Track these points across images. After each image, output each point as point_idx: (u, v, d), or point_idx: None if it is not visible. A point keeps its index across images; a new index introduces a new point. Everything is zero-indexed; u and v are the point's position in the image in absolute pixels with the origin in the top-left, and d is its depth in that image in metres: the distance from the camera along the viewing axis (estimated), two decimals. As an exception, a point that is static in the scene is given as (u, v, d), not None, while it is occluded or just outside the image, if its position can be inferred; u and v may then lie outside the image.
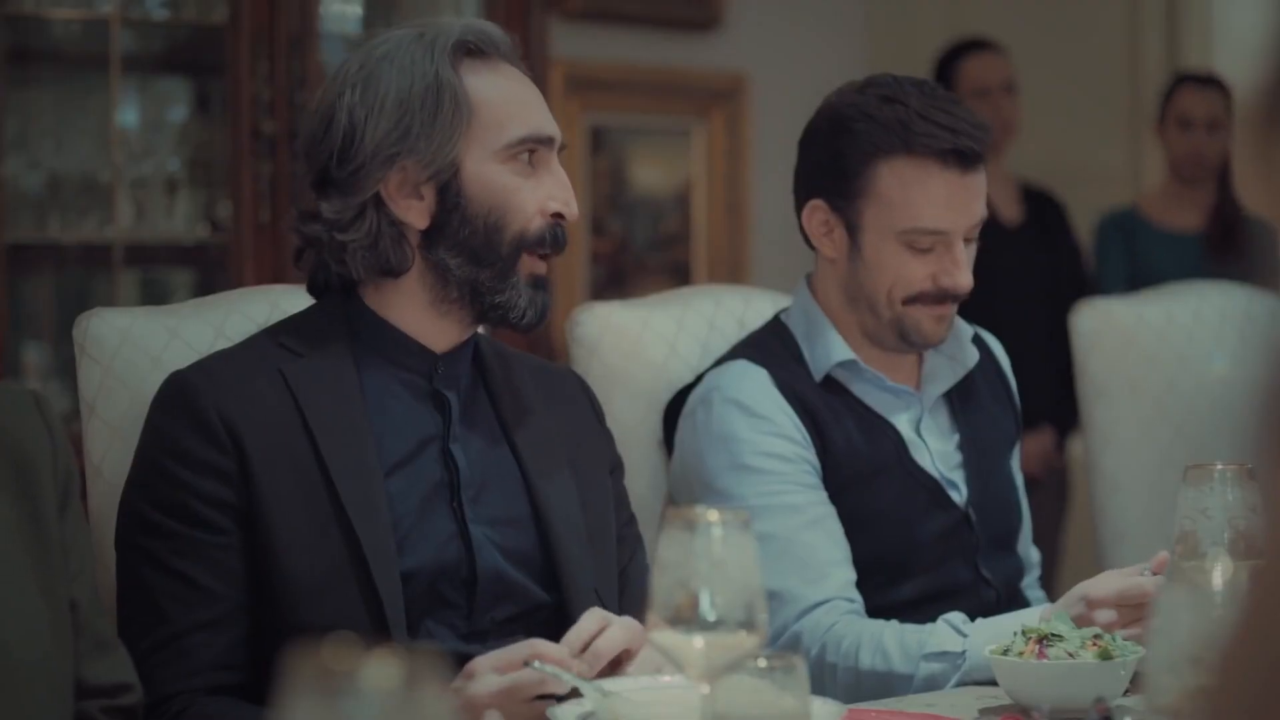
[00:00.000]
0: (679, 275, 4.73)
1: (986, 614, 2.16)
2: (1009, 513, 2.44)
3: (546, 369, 2.16)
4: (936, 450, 2.38)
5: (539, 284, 1.96)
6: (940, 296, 2.30)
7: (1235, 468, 1.91)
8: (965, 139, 2.26)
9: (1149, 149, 4.72)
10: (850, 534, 2.28)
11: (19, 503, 1.69)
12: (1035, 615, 2.02)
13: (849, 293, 2.35)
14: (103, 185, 3.74)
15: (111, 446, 2.01)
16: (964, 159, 2.27)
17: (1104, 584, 1.99)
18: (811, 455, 2.29)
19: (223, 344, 2.03)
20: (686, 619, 1.38)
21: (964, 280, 2.29)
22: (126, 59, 3.81)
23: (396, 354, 1.96)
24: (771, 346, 2.37)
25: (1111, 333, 3.02)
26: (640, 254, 4.79)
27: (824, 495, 2.29)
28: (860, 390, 2.35)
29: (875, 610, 2.24)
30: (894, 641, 2.13)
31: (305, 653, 0.85)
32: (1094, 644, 1.86)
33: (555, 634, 1.78)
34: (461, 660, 1.78)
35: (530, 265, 1.95)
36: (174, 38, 4.00)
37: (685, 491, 2.35)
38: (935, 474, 2.35)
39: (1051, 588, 2.65)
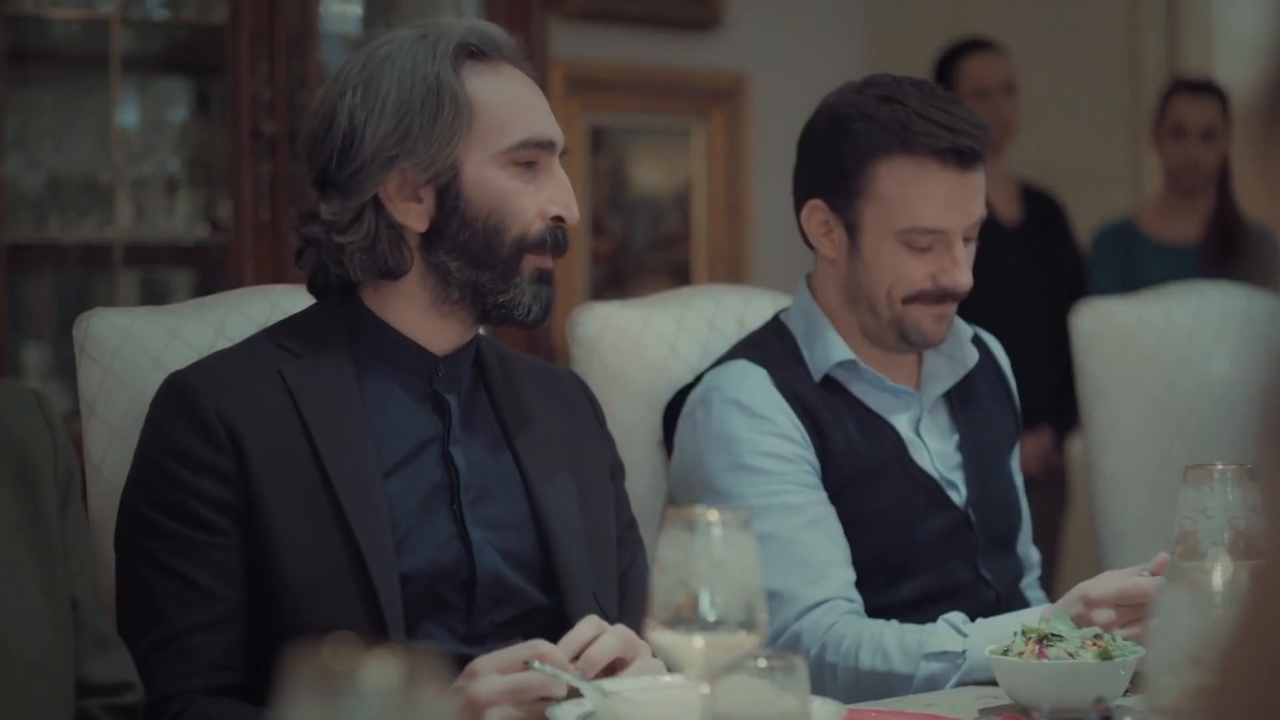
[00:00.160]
0: (679, 275, 4.73)
1: (986, 614, 2.16)
2: (1009, 513, 2.44)
3: (547, 371, 2.16)
4: (936, 450, 2.38)
5: (543, 279, 1.95)
6: (940, 296, 2.30)
7: (1235, 468, 1.91)
8: (964, 138, 2.26)
9: (1148, 150, 4.69)
10: (850, 534, 2.28)
11: (20, 501, 1.69)
12: (1035, 615, 2.02)
13: (849, 293, 2.35)
14: (103, 185, 3.74)
15: (111, 446, 2.01)
16: (963, 158, 2.27)
17: (1103, 584, 1.99)
18: (811, 455, 2.29)
19: (223, 344, 2.03)
20: (686, 619, 1.38)
21: (964, 279, 2.29)
22: (126, 59, 3.81)
23: (396, 356, 1.96)
24: (771, 346, 2.37)
25: (1111, 333, 3.02)
26: (640, 254, 4.79)
27: (824, 495, 2.29)
28: (860, 390, 2.35)
29: (875, 610, 2.24)
30: (894, 641, 2.13)
31: (305, 653, 0.85)
32: (1094, 644, 1.86)
33: (553, 637, 1.78)
34: (460, 662, 1.78)
35: (534, 262, 1.94)
36: (174, 38, 4.00)
37: (685, 491, 2.35)
38: (935, 474, 2.35)
39: (1050, 588, 2.65)
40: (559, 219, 1.95)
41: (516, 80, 1.97)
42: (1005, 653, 1.88)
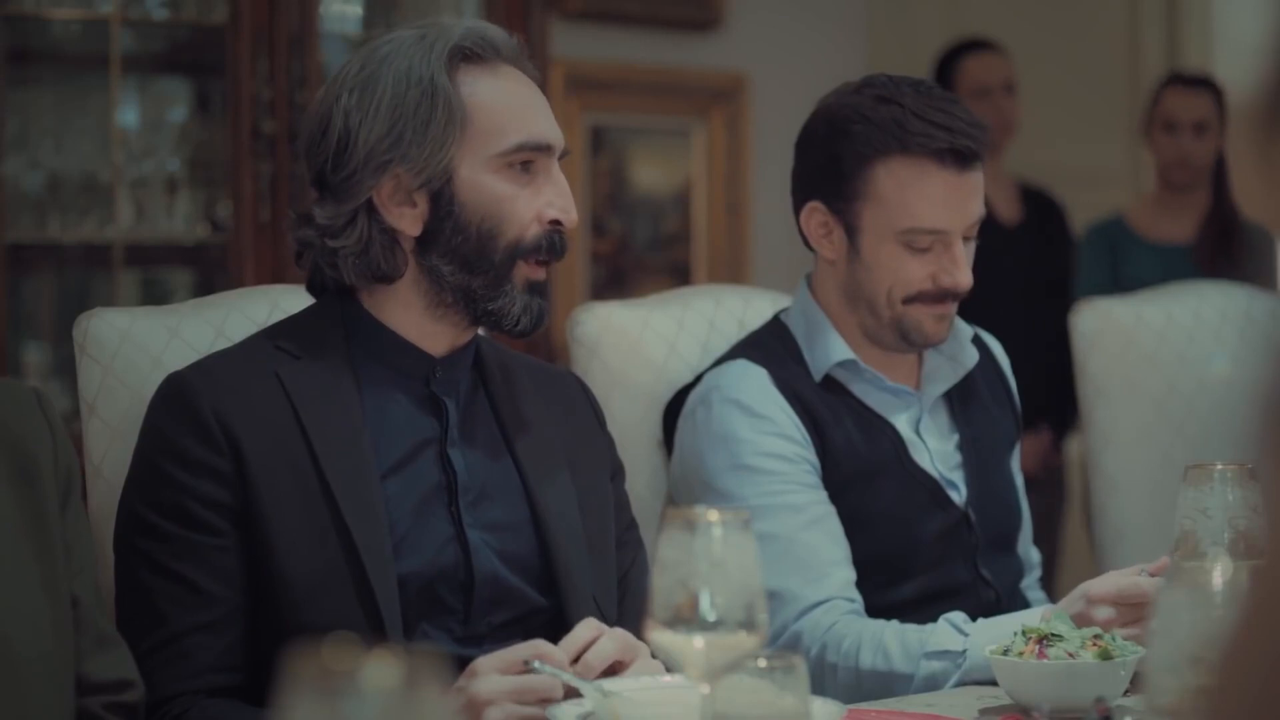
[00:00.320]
0: (679, 275, 4.73)
1: (986, 614, 2.16)
2: (1009, 513, 2.44)
3: (547, 371, 2.15)
4: (936, 450, 2.38)
5: (535, 290, 1.94)
6: (940, 296, 2.30)
7: (1235, 468, 1.91)
8: (962, 138, 2.26)
9: (1148, 150, 4.64)
10: (850, 534, 2.28)
11: (20, 500, 1.69)
12: (1036, 615, 2.02)
13: (848, 293, 2.34)
14: (103, 185, 3.74)
15: (111, 446, 2.01)
16: (961, 158, 2.26)
17: (1105, 581, 1.99)
18: (811, 455, 2.29)
19: (223, 344, 2.03)
20: (686, 619, 1.38)
21: (963, 279, 2.29)
22: (126, 59, 3.81)
23: (393, 357, 1.95)
24: (771, 346, 2.37)
25: (1111, 333, 3.02)
26: (640, 254, 4.79)
27: (824, 495, 2.28)
28: (860, 390, 2.35)
29: (875, 610, 2.24)
30: (895, 641, 2.13)
31: (305, 653, 0.85)
32: (1094, 644, 1.86)
33: (552, 639, 1.78)
34: (458, 664, 1.78)
35: (526, 272, 1.93)
36: (174, 38, 4.00)
37: (685, 491, 2.35)
38: (935, 474, 2.35)
39: (1049, 588, 2.65)
40: (556, 222, 1.94)
41: (514, 82, 1.96)
42: (1005, 652, 1.88)
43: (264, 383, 1.90)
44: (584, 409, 2.13)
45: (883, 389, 2.36)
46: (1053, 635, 1.87)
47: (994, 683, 1.95)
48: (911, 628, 2.14)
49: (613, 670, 1.78)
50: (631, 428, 2.43)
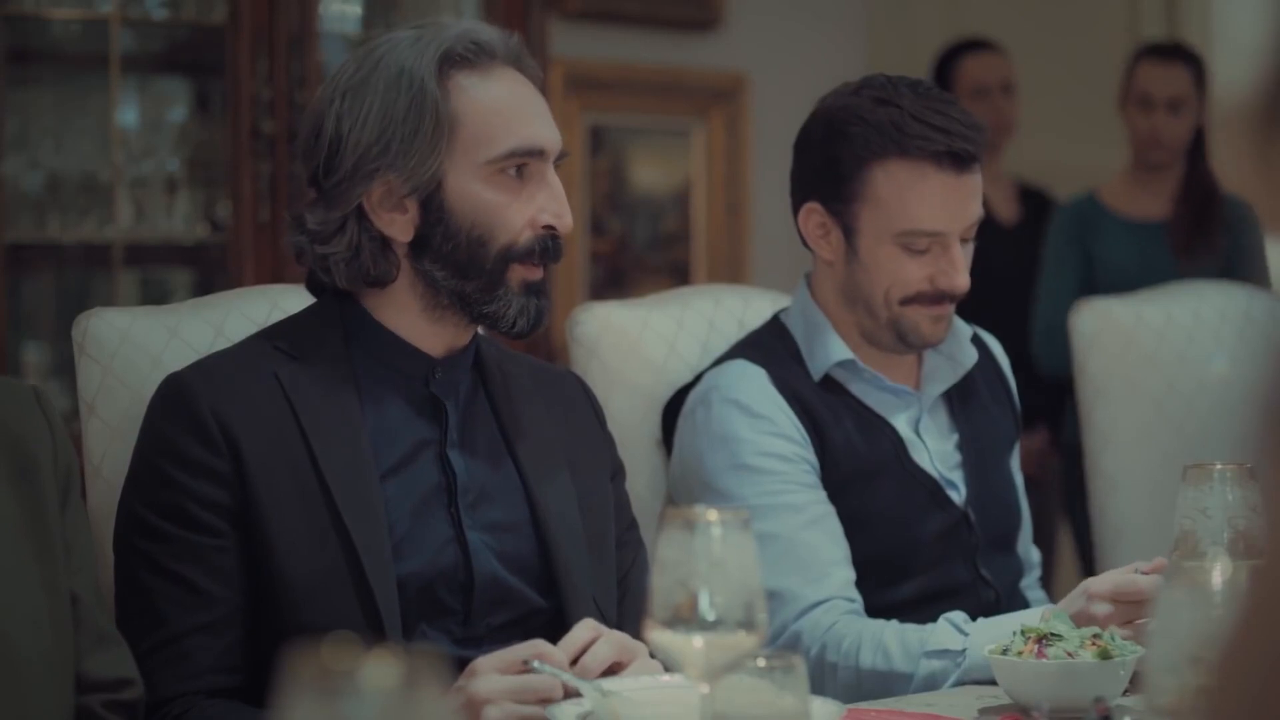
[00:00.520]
0: (679, 275, 4.73)
1: (986, 614, 2.16)
2: (1008, 513, 2.44)
3: (548, 371, 2.15)
4: (935, 450, 2.38)
5: (532, 290, 1.92)
6: (937, 297, 2.30)
7: (1235, 468, 1.91)
8: (959, 140, 2.26)
9: (1123, 124, 4.42)
10: (849, 534, 2.28)
11: (20, 498, 1.70)
12: (1036, 615, 2.02)
13: (846, 294, 2.34)
14: (103, 185, 3.74)
15: (111, 446, 2.01)
16: (959, 160, 2.26)
17: (1104, 579, 1.99)
18: (810, 455, 2.29)
19: (222, 344, 2.03)
20: (686, 619, 1.38)
21: (961, 281, 2.29)
22: (126, 59, 3.81)
23: (392, 358, 1.95)
24: (770, 346, 2.37)
25: (1111, 333, 3.02)
26: (640, 254, 4.79)
27: (823, 495, 2.28)
28: (859, 390, 2.35)
29: (874, 610, 2.24)
30: (894, 640, 2.13)
31: (304, 653, 0.85)
32: (1093, 643, 1.86)
33: (552, 640, 1.77)
34: (457, 665, 1.77)
35: (522, 273, 1.92)
36: (174, 38, 4.00)
37: (685, 491, 2.34)
38: (934, 474, 2.35)
39: (1048, 588, 2.65)
40: (550, 228, 1.92)
41: (509, 85, 1.93)
42: (1004, 652, 1.88)
43: (263, 384, 1.89)
44: (584, 409, 2.13)
45: (882, 389, 2.36)
46: (1052, 635, 1.87)
47: (993, 682, 1.95)
48: (911, 627, 2.14)
49: (611, 671, 1.78)
50: (631, 428, 2.43)
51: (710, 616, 1.37)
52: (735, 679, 1.34)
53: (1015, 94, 4.55)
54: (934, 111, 2.26)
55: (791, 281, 2.48)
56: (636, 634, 1.76)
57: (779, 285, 2.78)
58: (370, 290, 1.95)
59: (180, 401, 1.87)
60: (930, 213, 2.26)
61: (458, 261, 1.90)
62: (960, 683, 2.07)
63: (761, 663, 1.33)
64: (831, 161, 2.30)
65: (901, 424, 2.36)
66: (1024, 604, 2.39)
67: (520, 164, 1.91)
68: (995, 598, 2.35)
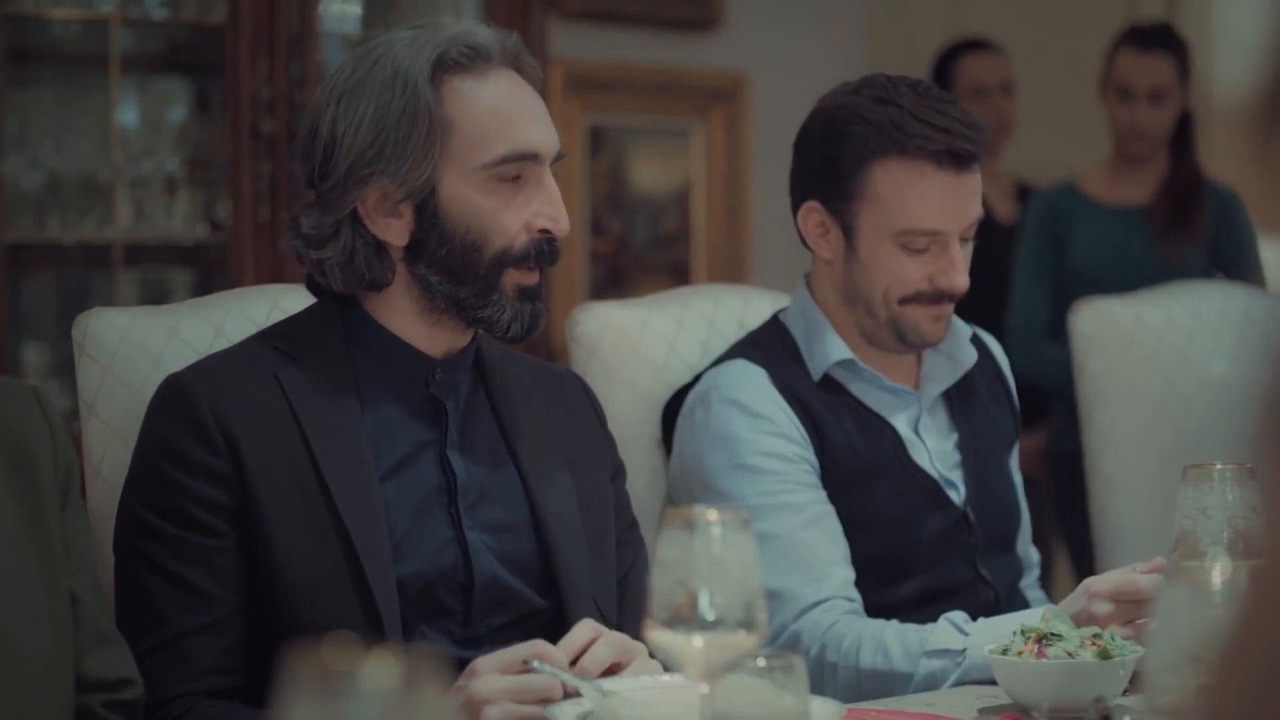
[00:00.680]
0: (679, 275, 4.73)
1: (986, 614, 2.16)
2: (1008, 513, 2.44)
3: (548, 371, 2.15)
4: (935, 450, 2.38)
5: (527, 295, 1.92)
6: (937, 297, 2.30)
7: (1235, 468, 1.91)
8: (959, 139, 2.26)
9: (1103, 113, 4.27)
10: (849, 533, 2.28)
11: (20, 498, 1.70)
12: (1036, 615, 2.02)
13: (846, 293, 2.35)
14: (103, 185, 3.74)
15: (111, 446, 2.01)
16: (958, 159, 2.26)
17: (1105, 578, 1.99)
18: (810, 454, 2.29)
19: (222, 344, 2.03)
20: (686, 619, 1.38)
21: (960, 280, 2.29)
22: (126, 59, 3.81)
23: (392, 359, 1.95)
24: (770, 346, 2.37)
25: (1111, 333, 3.02)
26: (640, 254, 4.79)
27: (823, 494, 2.29)
28: (859, 390, 2.35)
29: (874, 610, 2.24)
30: (894, 640, 2.13)
31: (304, 654, 0.85)
32: (1093, 643, 1.86)
33: (551, 641, 1.77)
34: (457, 666, 1.77)
35: (517, 278, 1.91)
36: (174, 38, 4.00)
37: (684, 491, 2.35)
38: (934, 473, 2.35)
39: (1047, 588, 2.65)
40: (546, 231, 1.92)
41: (505, 88, 1.92)
42: (1004, 652, 1.88)
43: (263, 384, 1.89)
44: (585, 409, 2.12)
45: (881, 388, 2.36)
46: (1052, 635, 1.87)
47: (993, 682, 1.95)
48: (911, 627, 2.14)
49: (611, 672, 1.78)
50: (631, 428, 2.43)
51: (710, 616, 1.37)
52: (735, 679, 1.34)
53: (1014, 94, 4.55)
54: (934, 111, 2.26)
55: (791, 281, 2.48)
56: (636, 634, 1.76)
57: (779, 285, 2.78)
58: (368, 292, 1.95)
59: (180, 402, 1.87)
60: (930, 212, 2.27)
61: (452, 266, 1.90)
62: (960, 683, 2.07)
63: (761, 663, 1.33)
64: (831, 160, 2.30)
65: (901, 424, 2.36)
66: (1023, 604, 2.39)
67: (514, 169, 1.90)
68: (995, 597, 2.35)
